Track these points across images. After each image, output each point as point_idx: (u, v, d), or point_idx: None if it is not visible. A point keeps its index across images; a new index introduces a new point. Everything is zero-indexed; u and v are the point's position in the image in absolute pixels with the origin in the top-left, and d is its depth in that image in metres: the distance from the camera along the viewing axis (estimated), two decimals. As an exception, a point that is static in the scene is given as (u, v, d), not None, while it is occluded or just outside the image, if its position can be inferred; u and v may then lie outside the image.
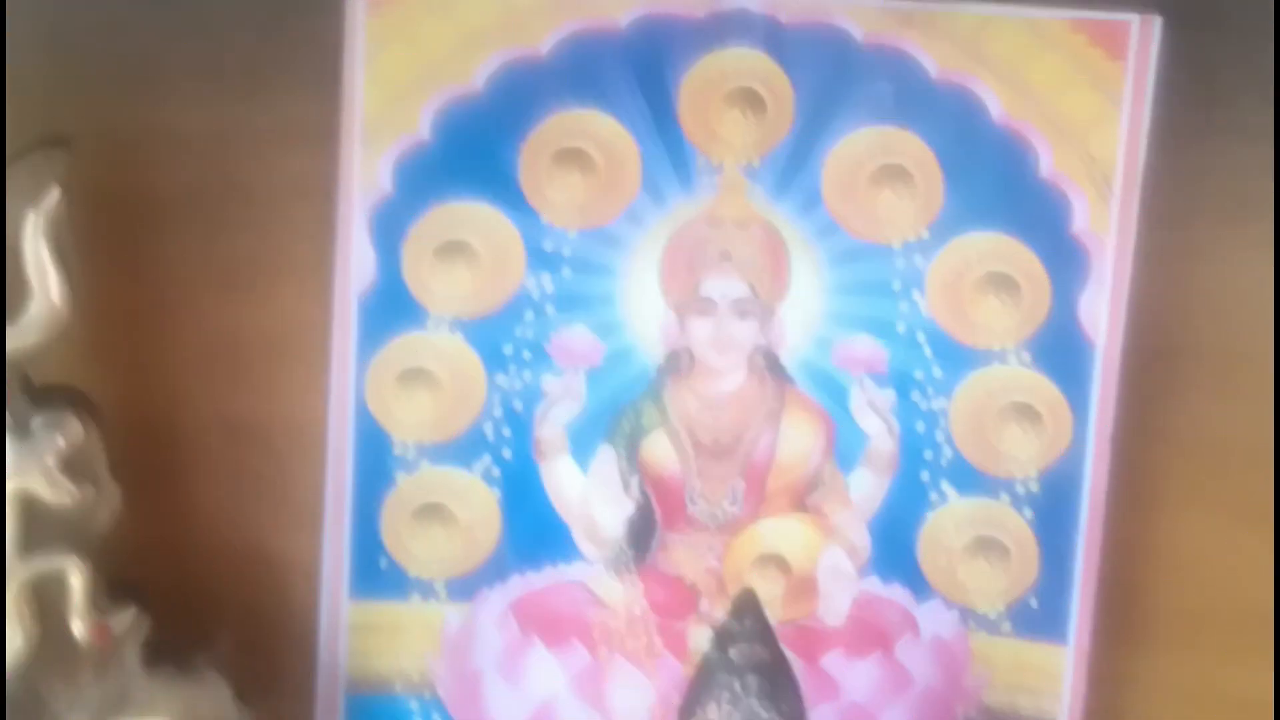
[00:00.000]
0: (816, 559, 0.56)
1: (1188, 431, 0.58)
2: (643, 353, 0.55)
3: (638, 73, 0.53)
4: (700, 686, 0.56)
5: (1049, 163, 0.53)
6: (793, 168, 0.54)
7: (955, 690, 0.57)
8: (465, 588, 0.56)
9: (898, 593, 0.56)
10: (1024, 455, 0.55)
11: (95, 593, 0.51)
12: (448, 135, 0.54)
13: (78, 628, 0.51)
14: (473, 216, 0.54)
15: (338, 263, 0.54)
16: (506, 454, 0.56)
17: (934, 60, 0.53)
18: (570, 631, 0.56)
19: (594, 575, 0.56)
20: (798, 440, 0.56)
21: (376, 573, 0.56)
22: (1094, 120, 0.53)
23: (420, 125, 0.54)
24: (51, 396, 0.51)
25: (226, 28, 0.55)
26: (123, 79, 0.55)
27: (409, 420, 0.55)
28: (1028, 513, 0.55)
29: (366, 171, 0.54)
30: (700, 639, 0.56)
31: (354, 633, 0.56)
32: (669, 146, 0.54)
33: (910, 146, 0.54)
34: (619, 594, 0.56)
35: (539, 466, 0.56)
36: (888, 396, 0.55)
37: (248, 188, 0.57)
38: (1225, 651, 0.60)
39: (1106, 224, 0.54)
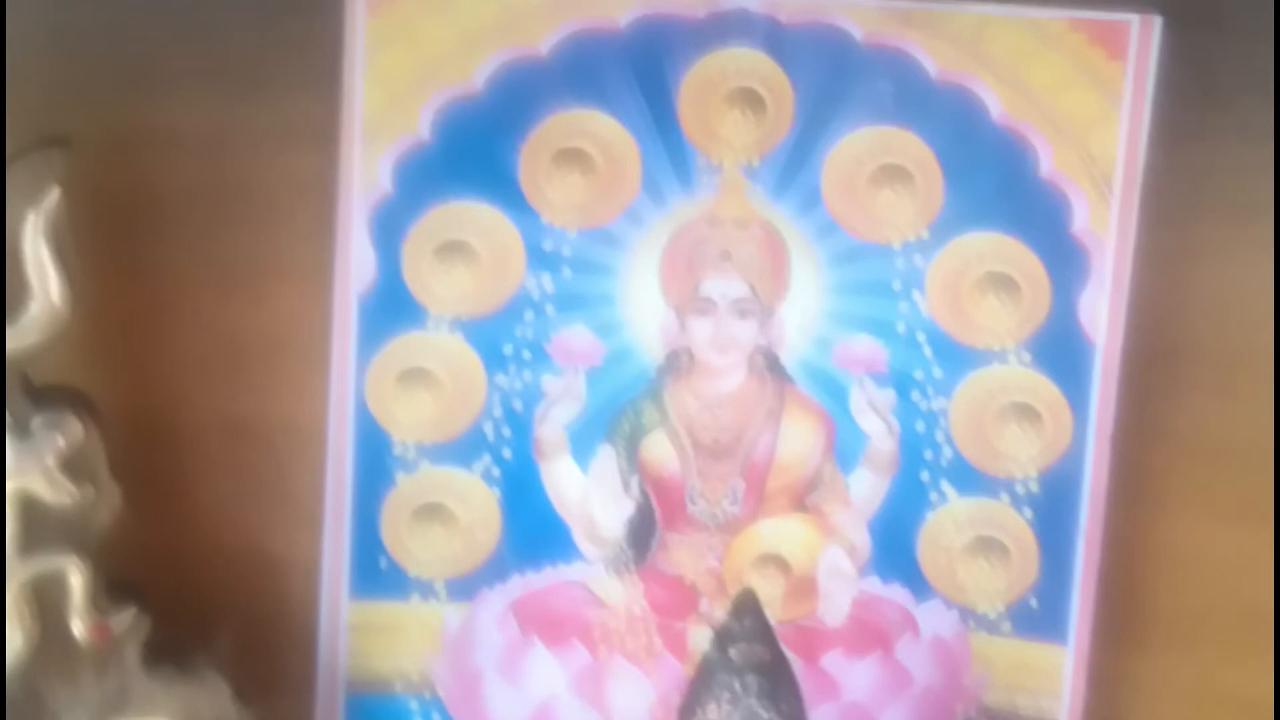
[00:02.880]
0: (816, 559, 0.56)
1: (1188, 431, 0.58)
2: (643, 353, 0.56)
3: (638, 73, 0.53)
4: (700, 686, 0.56)
5: (1049, 163, 0.53)
6: (793, 168, 0.54)
7: (955, 690, 0.57)
8: (465, 588, 0.56)
9: (898, 593, 0.56)
10: (1024, 455, 0.55)
11: (95, 593, 0.51)
12: (448, 135, 0.54)
13: (78, 628, 0.51)
14: (473, 216, 0.54)
15: (338, 263, 0.54)
16: (506, 454, 0.56)
17: (934, 60, 0.53)
18: (570, 631, 0.56)
19: (594, 575, 0.56)
20: (798, 440, 0.56)
21: (376, 572, 0.56)
22: (1094, 120, 0.53)
23: (420, 125, 0.54)
24: (51, 396, 0.51)
25: (226, 28, 0.55)
26: (123, 79, 0.55)
27: (409, 420, 0.55)
28: (1028, 513, 0.55)
29: (366, 171, 0.54)
30: (700, 639, 0.56)
31: (354, 633, 0.56)
32: (669, 146, 0.54)
33: (910, 146, 0.54)
34: (619, 594, 0.56)
35: (539, 466, 0.56)
36: (888, 396, 0.55)
37: (248, 188, 0.57)
38: (1225, 651, 0.60)
39: (1106, 224, 0.54)
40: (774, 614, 0.56)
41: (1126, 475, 0.56)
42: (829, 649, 0.56)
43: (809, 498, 0.56)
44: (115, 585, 0.52)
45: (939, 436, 0.55)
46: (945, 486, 0.56)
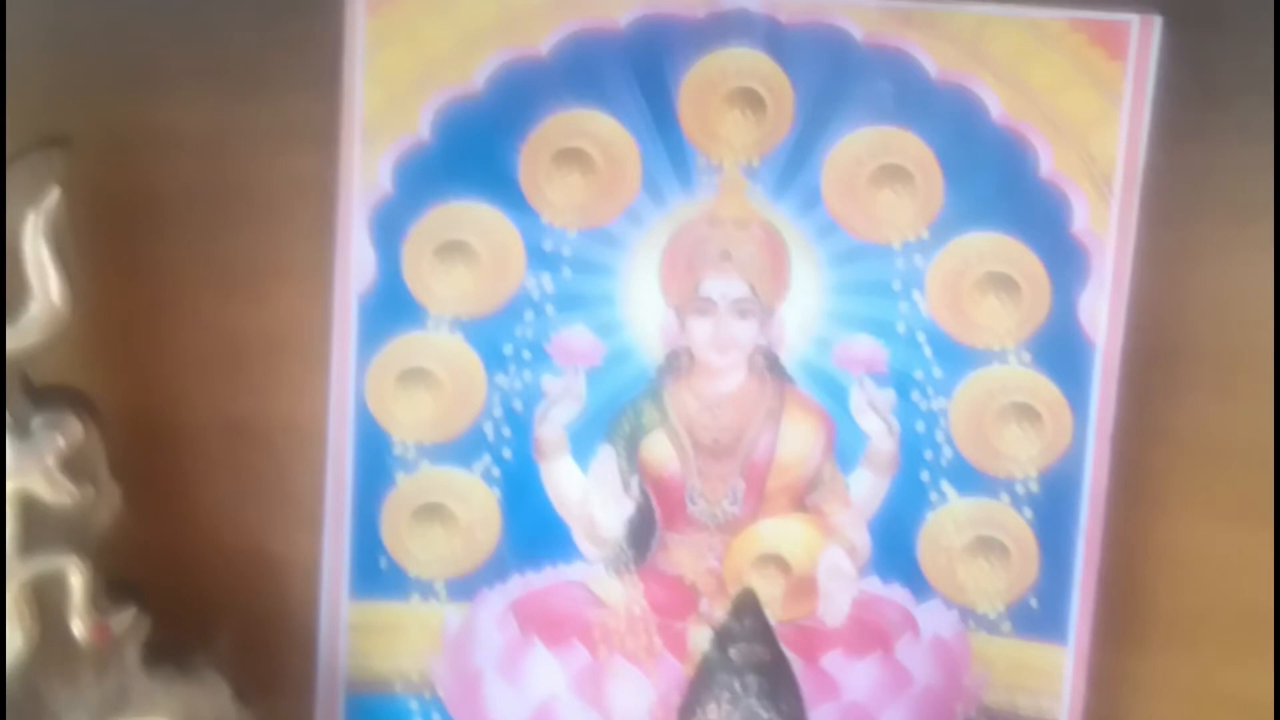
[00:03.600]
0: (816, 559, 0.56)
1: (1188, 431, 0.58)
2: (643, 353, 0.56)
3: (638, 73, 0.53)
4: (700, 686, 0.56)
5: (1049, 163, 0.53)
6: (793, 168, 0.54)
7: (955, 690, 0.57)
8: (465, 588, 0.56)
9: (898, 593, 0.56)
10: (1024, 455, 0.55)
11: (95, 593, 0.51)
12: (448, 135, 0.54)
13: (78, 628, 0.51)
14: (473, 216, 0.54)
15: (338, 263, 0.54)
16: (506, 454, 0.56)
17: (934, 60, 0.53)
18: (570, 631, 0.56)
19: (594, 575, 0.56)
20: (798, 440, 0.56)
21: (376, 573, 0.56)
22: (1094, 120, 0.53)
23: (420, 125, 0.54)
24: (51, 396, 0.51)
25: (226, 28, 0.55)
26: (123, 79, 0.55)
27: (409, 420, 0.55)
28: (1028, 513, 0.55)
29: (366, 171, 0.54)
30: (700, 639, 0.56)
31: (354, 633, 0.56)
32: (669, 146, 0.54)
33: (910, 146, 0.54)
34: (619, 594, 0.56)
35: (539, 466, 0.56)
36: (888, 396, 0.55)
37: (248, 188, 0.57)
38: (1225, 651, 0.60)
39: (1106, 224, 0.54)
40: (774, 614, 0.56)
41: (1126, 475, 0.56)
42: (829, 649, 0.56)
43: (809, 498, 0.56)
44: (115, 585, 0.52)
45: (939, 436, 0.55)
46: (945, 486, 0.56)
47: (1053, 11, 0.53)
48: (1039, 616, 0.56)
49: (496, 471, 0.56)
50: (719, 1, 0.53)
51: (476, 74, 0.53)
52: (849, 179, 0.54)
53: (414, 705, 0.57)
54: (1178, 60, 0.53)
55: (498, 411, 0.55)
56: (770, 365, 0.56)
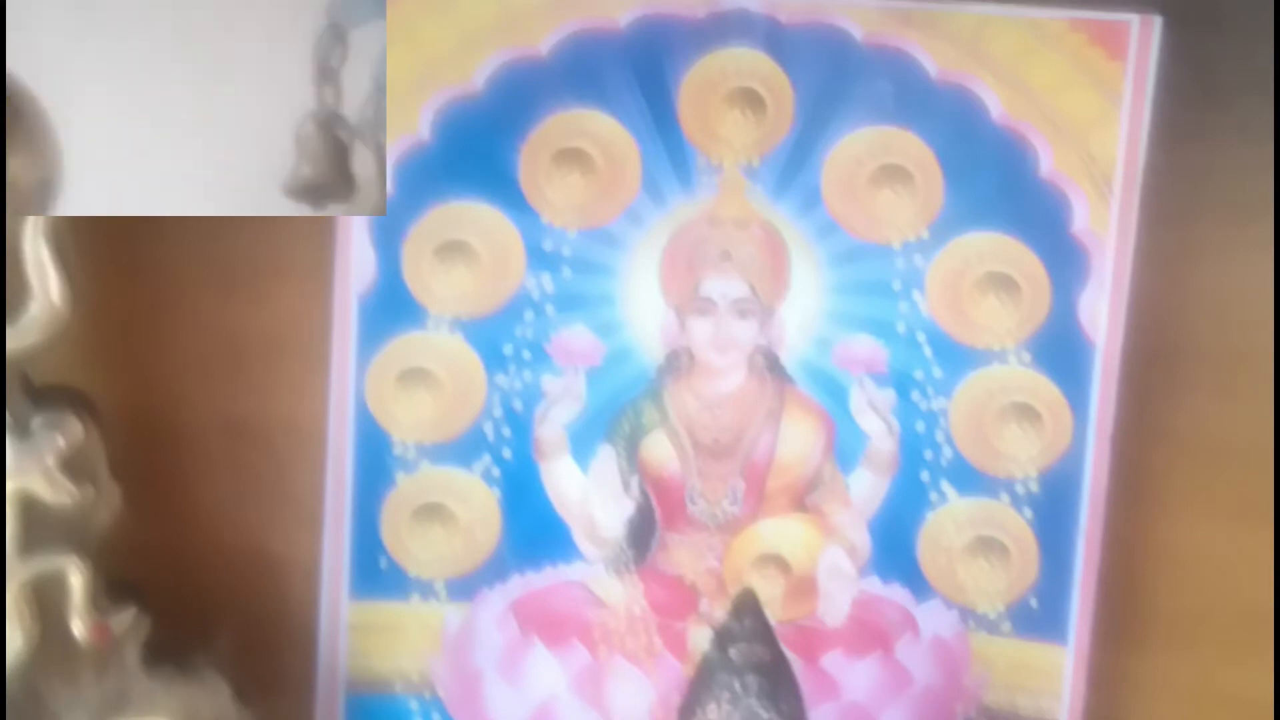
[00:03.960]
0: (816, 559, 0.56)
1: (1188, 431, 0.58)
2: (643, 352, 0.56)
3: (638, 73, 0.53)
4: (700, 686, 0.56)
5: (1049, 163, 0.54)
6: (793, 168, 0.54)
7: (955, 690, 0.57)
8: (465, 588, 0.56)
9: (898, 593, 0.56)
10: (1024, 455, 0.55)
11: (95, 593, 0.51)
12: (448, 135, 0.54)
13: (78, 628, 0.51)
14: (473, 216, 0.54)
15: (338, 263, 0.54)
16: (506, 454, 0.56)
17: (934, 60, 0.53)
18: (570, 631, 0.56)
19: (594, 575, 0.56)
20: (798, 440, 0.56)
21: (376, 573, 0.56)
22: (1094, 120, 0.53)
23: (420, 125, 0.54)
24: (51, 396, 0.51)
25: (226, 28, 0.55)
26: (123, 79, 0.55)
27: (409, 420, 0.55)
28: (1028, 513, 0.55)
29: (366, 171, 0.54)
30: (700, 639, 0.56)
31: (354, 633, 0.56)
32: (669, 146, 0.54)
33: (910, 146, 0.54)
34: (619, 594, 0.56)
35: (539, 466, 0.56)
36: (888, 396, 0.55)
37: (248, 188, 0.57)
38: (1225, 651, 0.60)
39: (1106, 224, 0.54)
40: (774, 614, 0.56)
41: (1126, 475, 0.56)
42: (829, 649, 0.56)
43: (809, 498, 0.56)
44: (115, 585, 0.52)
45: (939, 436, 0.55)
46: (945, 486, 0.56)
47: (1053, 11, 0.53)
48: (1039, 616, 0.56)
49: (496, 471, 0.56)
50: (719, 1, 0.53)
51: (476, 74, 0.53)
52: (849, 179, 0.54)
53: (414, 705, 0.57)
54: (1178, 60, 0.53)
55: (498, 411, 0.55)
56: (770, 365, 0.56)
